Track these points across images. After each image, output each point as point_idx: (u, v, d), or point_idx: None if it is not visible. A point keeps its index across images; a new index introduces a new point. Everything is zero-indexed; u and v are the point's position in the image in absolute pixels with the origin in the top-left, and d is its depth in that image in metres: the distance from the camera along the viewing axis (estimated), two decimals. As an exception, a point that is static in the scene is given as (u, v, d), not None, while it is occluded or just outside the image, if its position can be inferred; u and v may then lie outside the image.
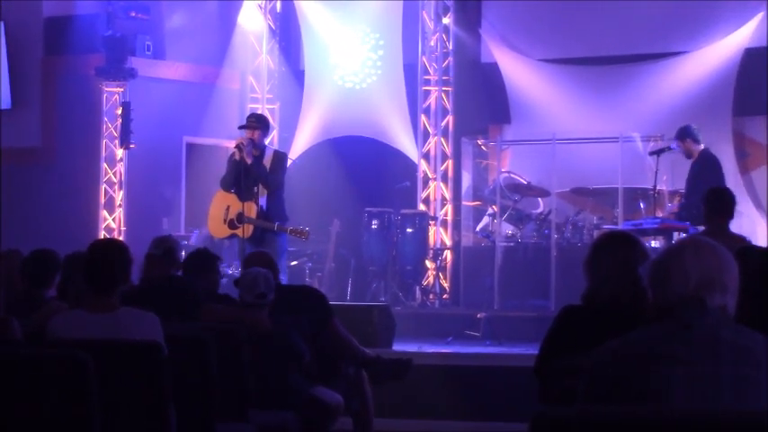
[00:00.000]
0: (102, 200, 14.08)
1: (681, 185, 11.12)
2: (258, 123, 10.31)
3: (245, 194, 10.05)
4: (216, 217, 10.43)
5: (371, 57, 14.31)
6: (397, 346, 9.91)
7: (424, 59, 13.86)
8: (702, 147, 10.76)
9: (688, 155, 10.75)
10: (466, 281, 12.59)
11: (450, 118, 13.84)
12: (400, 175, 13.59)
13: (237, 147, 10.12)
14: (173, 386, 4.84)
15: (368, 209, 13.12)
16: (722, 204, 7.95)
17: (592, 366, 3.20)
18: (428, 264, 13.30)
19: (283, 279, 7.39)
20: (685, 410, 2.98)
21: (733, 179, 11.81)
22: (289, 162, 11.52)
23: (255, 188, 10.10)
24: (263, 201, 10.13)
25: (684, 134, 10.69)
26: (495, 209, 12.40)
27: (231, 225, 10.23)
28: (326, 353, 6.93)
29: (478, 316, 11.16)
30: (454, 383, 9.14)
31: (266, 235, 10.07)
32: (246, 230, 10.03)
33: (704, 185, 10.14)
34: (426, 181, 13.79)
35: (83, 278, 5.22)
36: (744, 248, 4.61)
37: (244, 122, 10.47)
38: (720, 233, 7.49)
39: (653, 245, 10.55)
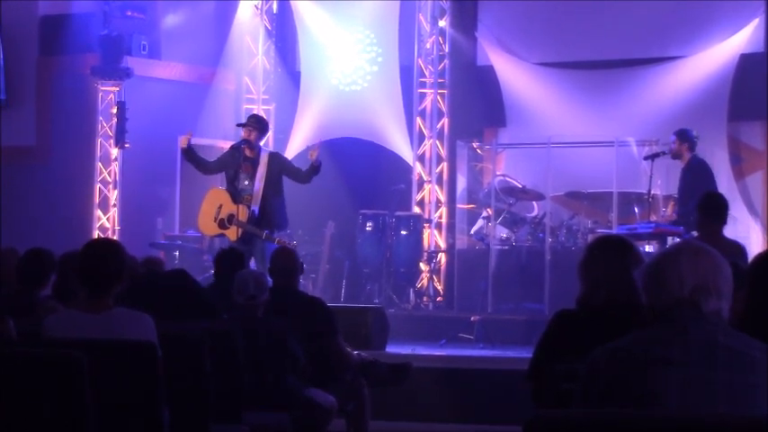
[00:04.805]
0: (97, 199, 14.06)
1: (675, 190, 11.11)
2: (257, 125, 10.34)
3: (237, 196, 10.12)
4: (207, 213, 10.43)
5: (367, 58, 14.29)
6: (391, 349, 9.92)
7: (420, 62, 13.87)
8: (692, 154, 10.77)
9: (676, 156, 10.67)
10: (460, 284, 12.58)
11: (445, 120, 13.84)
12: (395, 177, 13.57)
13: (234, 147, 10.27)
14: (167, 387, 4.84)
15: (362, 211, 13.12)
16: (715, 210, 7.94)
17: (587, 369, 3.20)
18: (422, 266, 13.29)
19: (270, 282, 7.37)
20: (680, 414, 2.98)
21: (727, 184, 11.82)
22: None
23: (248, 185, 10.13)
24: (255, 207, 10.16)
25: (684, 137, 10.63)
26: (490, 212, 12.40)
27: (221, 224, 10.24)
28: (325, 361, 6.92)
29: (472, 319, 11.16)
30: (447, 386, 9.14)
31: (254, 238, 10.11)
32: (237, 231, 10.07)
33: (700, 192, 10.13)
34: (421, 183, 13.80)
35: (77, 278, 5.21)
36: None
37: (241, 122, 10.52)
38: (714, 239, 7.48)
39: (647, 249, 10.55)
